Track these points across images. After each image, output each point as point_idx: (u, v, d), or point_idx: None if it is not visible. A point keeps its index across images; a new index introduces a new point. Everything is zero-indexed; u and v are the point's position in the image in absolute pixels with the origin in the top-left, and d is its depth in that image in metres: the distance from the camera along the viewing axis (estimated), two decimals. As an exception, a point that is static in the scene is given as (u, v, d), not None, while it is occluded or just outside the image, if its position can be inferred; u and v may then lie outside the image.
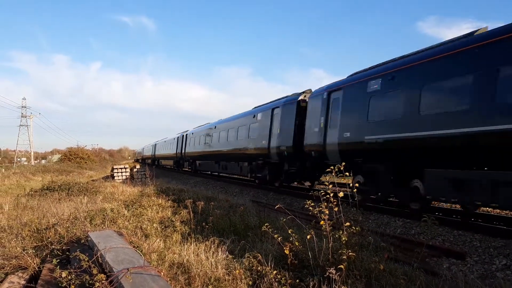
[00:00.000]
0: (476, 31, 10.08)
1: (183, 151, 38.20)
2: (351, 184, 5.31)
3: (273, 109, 19.59)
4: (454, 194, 9.44)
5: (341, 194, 5.08)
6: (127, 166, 30.61)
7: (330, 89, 15.02)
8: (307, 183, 18.66)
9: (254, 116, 21.63)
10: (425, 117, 10.17)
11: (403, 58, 12.07)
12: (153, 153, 61.48)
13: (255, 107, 23.02)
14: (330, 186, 5.18)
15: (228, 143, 25.53)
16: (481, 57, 9.01)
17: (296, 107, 17.52)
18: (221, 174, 29.18)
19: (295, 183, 20.08)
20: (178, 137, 40.99)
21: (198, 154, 33.52)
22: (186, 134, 37.92)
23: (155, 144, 61.06)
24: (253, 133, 21.50)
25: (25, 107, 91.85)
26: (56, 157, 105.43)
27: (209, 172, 32.83)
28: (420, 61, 10.87)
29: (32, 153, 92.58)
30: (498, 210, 12.42)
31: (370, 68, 13.57)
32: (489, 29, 9.73)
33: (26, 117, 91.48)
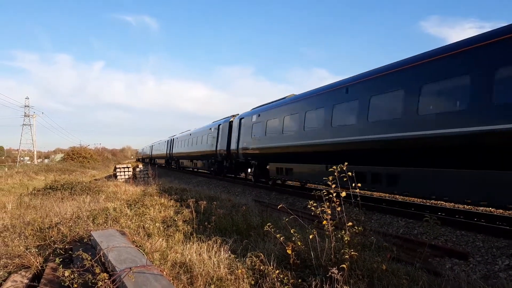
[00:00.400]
0: (286, 96, 19.64)
1: (171, 152, 46.09)
2: (353, 185, 5.30)
3: (219, 125, 28.12)
4: (277, 175, 18.92)
5: (343, 194, 5.08)
6: (129, 165, 30.67)
7: (240, 117, 23.92)
8: (242, 174, 26.76)
9: (210, 129, 30.50)
10: (268, 137, 19.35)
11: (270, 103, 21.00)
12: (150, 153, 69.38)
13: (213, 121, 31.35)
14: (333, 186, 5.18)
15: (197, 146, 33.98)
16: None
17: (228, 125, 26.04)
18: (197, 170, 36.80)
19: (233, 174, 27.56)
20: (168, 140, 48.42)
21: (181, 154, 41.89)
22: (173, 138, 45.79)
23: (152, 145, 68.94)
24: (209, 140, 30.06)
25: (28, 106, 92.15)
26: (59, 157, 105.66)
27: (191, 169, 40.03)
28: (266, 110, 20.42)
29: (35, 152, 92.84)
30: (501, 210, 12.39)
31: (256, 107, 22.84)
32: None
33: (29, 116, 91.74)
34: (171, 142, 46.48)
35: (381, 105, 11.62)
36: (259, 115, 20.72)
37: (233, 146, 24.22)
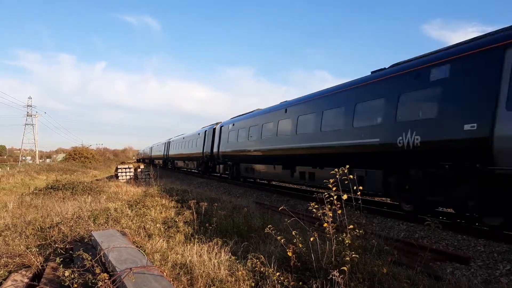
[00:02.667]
0: (253, 110, 24.07)
1: (167, 153, 50.02)
2: (354, 188, 5.29)
3: (205, 131, 32.11)
4: (246, 173, 23.15)
5: (344, 197, 5.07)
6: (131, 166, 30.70)
7: (221, 125, 28.28)
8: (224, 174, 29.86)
9: (198, 134, 34.71)
10: (239, 142, 23.30)
11: (242, 115, 25.39)
12: (150, 154, 72.82)
13: (202, 127, 35.17)
14: (334, 189, 5.18)
15: (188, 149, 37.91)
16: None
17: (212, 131, 30.02)
18: (181, 169, 41.25)
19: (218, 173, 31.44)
20: (165, 142, 52.00)
21: (175, 156, 46.51)
22: (169, 141, 49.81)
23: (152, 147, 72.89)
24: (198, 144, 34.26)
25: (31, 106, 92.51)
26: (60, 156, 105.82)
27: (184, 169, 43.84)
28: (238, 120, 24.86)
29: (37, 152, 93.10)
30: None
31: (233, 117, 26.97)
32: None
33: (31, 116, 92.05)
34: (168, 145, 50.55)
35: (304, 122, 16.12)
36: (233, 124, 25.27)
37: (215, 149, 28.63)
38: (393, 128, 10.96)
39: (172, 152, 46.54)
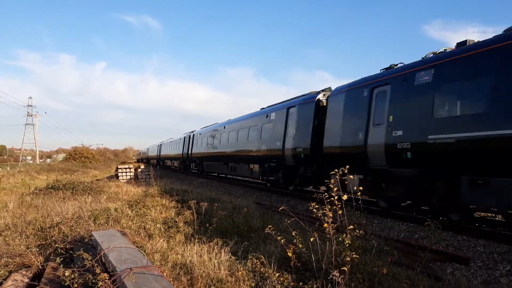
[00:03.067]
0: (214, 123, 33.52)
1: (160, 154, 56.30)
2: (354, 188, 5.30)
3: (184, 137, 40.24)
4: (207, 169, 32.63)
5: (345, 197, 5.07)
6: (131, 166, 30.71)
7: (196, 133, 36.21)
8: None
9: (180, 138, 42.20)
10: (203, 147, 32.22)
11: (207, 126, 35.02)
12: (147, 155, 79.77)
13: (184, 134, 41.92)
14: (335, 189, 5.18)
15: (174, 150, 46.32)
16: None
17: (189, 137, 38.19)
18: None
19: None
20: (158, 145, 58.52)
21: (165, 156, 54.59)
22: (161, 144, 56.45)
23: (148, 148, 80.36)
24: (180, 147, 42.03)
25: (31, 106, 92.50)
26: (61, 156, 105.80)
27: (173, 167, 50.87)
28: (203, 130, 34.54)
29: (38, 152, 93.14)
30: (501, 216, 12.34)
31: (203, 127, 36.19)
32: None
33: (32, 116, 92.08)
34: (160, 147, 57.99)
35: (231, 135, 25.55)
36: (200, 133, 34.50)
37: (190, 151, 37.13)
38: (258, 143, 20.69)
39: (163, 153, 54.94)
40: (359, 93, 12.84)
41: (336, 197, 5.08)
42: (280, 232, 6.01)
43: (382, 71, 12.62)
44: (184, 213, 9.65)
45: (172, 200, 12.22)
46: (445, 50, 10.53)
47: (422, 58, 11.03)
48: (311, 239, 5.28)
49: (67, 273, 4.46)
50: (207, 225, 8.29)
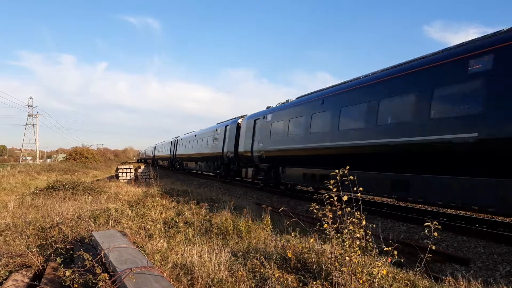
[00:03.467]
0: (193, 130, 41.77)
1: (175, 153, 58.34)
2: (354, 188, 5.30)
3: (171, 141, 49.19)
4: (187, 167, 41.30)
5: (345, 198, 5.08)
6: (131, 166, 30.70)
7: (179, 138, 44.72)
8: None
9: (169, 143, 50.20)
10: (184, 149, 40.14)
11: (187, 133, 43.65)
12: (153, 155, 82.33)
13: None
14: (335, 190, 5.18)
15: (164, 152, 54.31)
16: None
17: (175, 141, 45.85)
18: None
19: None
20: (171, 141, 60.26)
21: (158, 157, 63.44)
22: (177, 140, 58.01)
23: (155, 147, 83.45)
24: (168, 149, 50.16)
25: (32, 106, 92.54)
26: (61, 156, 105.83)
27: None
28: (184, 136, 42.83)
29: (38, 152, 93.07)
30: (502, 217, 12.35)
31: (184, 134, 44.86)
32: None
33: (32, 116, 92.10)
34: (175, 144, 58.25)
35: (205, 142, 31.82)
36: (181, 138, 42.82)
37: (175, 153, 45.52)
38: (211, 148, 28.94)
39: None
40: (250, 122, 21.71)
41: (336, 198, 5.08)
42: (281, 232, 6.03)
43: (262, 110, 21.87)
44: (184, 214, 9.67)
45: (173, 201, 12.23)
46: (279, 103, 19.64)
47: (267, 107, 21.05)
48: (311, 240, 5.28)
49: (67, 273, 4.46)
50: (208, 225, 8.31)
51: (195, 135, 35.44)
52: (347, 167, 5.17)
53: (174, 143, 46.45)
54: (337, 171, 5.25)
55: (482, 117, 8.34)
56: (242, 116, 24.58)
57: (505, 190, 8.06)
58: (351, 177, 5.10)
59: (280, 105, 19.11)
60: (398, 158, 10.77)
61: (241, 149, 22.36)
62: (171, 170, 49.48)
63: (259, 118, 20.18)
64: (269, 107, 20.60)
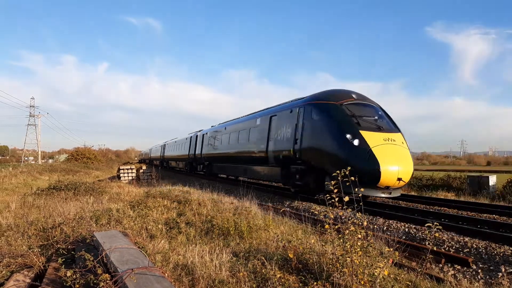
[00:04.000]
0: (175, 138, 53.22)
1: (163, 155, 63.37)
2: (356, 189, 5.30)
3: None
4: (169, 165, 54.71)
5: (346, 199, 5.08)
6: (133, 167, 30.75)
7: (166, 143, 56.45)
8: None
9: (160, 146, 60.24)
10: (168, 152, 53.54)
11: (168, 140, 56.63)
12: (150, 156, 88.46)
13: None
14: (336, 190, 5.18)
15: (156, 154, 64.63)
16: None
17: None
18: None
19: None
20: (162, 145, 65.96)
21: (169, 157, 62.65)
22: (165, 144, 63.89)
23: (151, 149, 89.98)
24: (159, 152, 61.18)
25: (33, 106, 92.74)
26: (63, 157, 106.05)
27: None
28: (167, 143, 56.24)
29: (40, 152, 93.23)
30: (504, 218, 12.33)
31: (166, 141, 57.91)
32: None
33: (34, 116, 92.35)
34: (163, 147, 66.70)
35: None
36: (168, 143, 52.46)
37: (162, 154, 56.06)
38: (186, 151, 39.12)
39: (167, 153, 55.94)
40: (200, 135, 33.00)
41: (337, 199, 5.08)
42: (282, 233, 6.03)
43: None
44: (185, 214, 9.67)
45: (174, 201, 12.23)
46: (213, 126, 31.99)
47: (212, 126, 32.61)
48: (312, 241, 5.28)
49: (68, 274, 4.47)
50: (209, 226, 8.31)
51: (175, 142, 47.25)
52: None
53: (163, 147, 58.06)
54: (338, 171, 5.26)
55: (267, 140, 18.73)
56: (200, 130, 35.72)
57: (282, 172, 17.43)
58: (352, 178, 5.10)
59: (214, 126, 31.14)
60: (245, 158, 21.82)
61: (197, 152, 33.54)
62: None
63: (206, 133, 31.60)
64: (213, 126, 31.93)
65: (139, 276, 4.29)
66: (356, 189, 5.24)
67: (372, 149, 12.60)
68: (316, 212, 5.36)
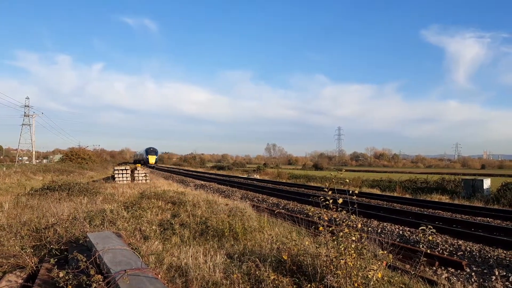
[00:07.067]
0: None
1: (137, 158, 77.38)
2: (350, 191, 5.30)
3: (144, 150, 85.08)
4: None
5: (340, 201, 5.08)
6: (128, 167, 30.64)
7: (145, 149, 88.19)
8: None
9: (143, 150, 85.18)
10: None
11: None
12: (139, 157, 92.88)
13: (145, 148, 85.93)
14: (330, 192, 5.18)
15: (141, 156, 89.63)
16: None
17: (147, 150, 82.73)
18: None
19: None
20: (139, 152, 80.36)
21: (139, 159, 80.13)
22: (138, 152, 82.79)
23: (139, 152, 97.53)
24: (141, 155, 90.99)
25: (28, 106, 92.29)
26: (57, 157, 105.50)
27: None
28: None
29: (34, 153, 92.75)
30: (498, 221, 12.38)
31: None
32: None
33: (28, 116, 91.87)
34: (140, 153, 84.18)
35: None
36: (141, 151, 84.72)
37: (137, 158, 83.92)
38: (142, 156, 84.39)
39: (142, 157, 79.99)
40: (143, 150, 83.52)
41: (331, 201, 5.08)
42: (276, 235, 6.01)
43: None
44: (180, 215, 9.64)
45: (168, 202, 12.20)
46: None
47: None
48: (306, 243, 5.27)
49: (61, 274, 4.44)
50: (203, 227, 8.28)
51: (140, 151, 75.36)
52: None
53: (145, 152, 78.91)
54: (334, 173, 5.25)
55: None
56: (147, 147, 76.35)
57: None
58: (347, 180, 5.09)
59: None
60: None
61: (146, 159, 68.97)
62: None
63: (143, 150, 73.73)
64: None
65: (132, 277, 4.27)
66: (350, 191, 5.23)
67: None
68: (310, 214, 5.34)
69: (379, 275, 4.89)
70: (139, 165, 34.82)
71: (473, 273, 7.50)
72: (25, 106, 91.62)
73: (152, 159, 75.47)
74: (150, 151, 77.11)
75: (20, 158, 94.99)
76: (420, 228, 5.13)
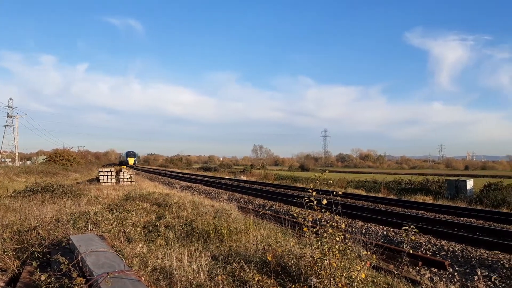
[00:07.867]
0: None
1: (121, 160, 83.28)
2: (335, 192, 5.33)
3: (125, 153, 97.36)
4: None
5: (324, 201, 5.10)
6: (113, 169, 30.35)
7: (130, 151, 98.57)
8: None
9: (124, 153, 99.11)
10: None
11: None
12: (121, 159, 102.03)
13: (125, 152, 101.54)
14: (314, 193, 5.20)
15: (122, 158, 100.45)
16: None
17: (128, 153, 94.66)
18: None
19: None
20: (122, 154, 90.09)
21: (122, 161, 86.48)
22: (121, 154, 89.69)
23: (120, 154, 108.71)
24: (123, 158, 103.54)
25: (12, 107, 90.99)
26: (41, 159, 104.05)
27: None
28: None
29: (17, 154, 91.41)
30: (481, 221, 12.57)
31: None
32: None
33: (12, 117, 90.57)
34: (122, 155, 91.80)
35: None
36: (123, 153, 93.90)
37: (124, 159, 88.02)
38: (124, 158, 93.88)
39: (123, 159, 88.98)
40: (124, 153, 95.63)
41: (315, 202, 5.10)
42: (262, 236, 6.02)
43: None
44: (165, 217, 9.59)
45: (154, 204, 12.12)
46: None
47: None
48: (291, 244, 5.28)
49: (43, 277, 4.39)
50: (189, 229, 8.25)
51: (122, 154, 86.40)
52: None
53: (125, 154, 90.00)
54: (318, 174, 5.28)
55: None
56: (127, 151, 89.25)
57: None
58: (331, 181, 5.12)
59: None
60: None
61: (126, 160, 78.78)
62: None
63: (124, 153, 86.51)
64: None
65: (115, 280, 4.24)
66: (335, 192, 5.27)
67: None
68: (295, 215, 5.36)
69: (363, 276, 4.93)
70: (124, 166, 34.49)
71: (455, 273, 7.60)
72: (8, 107, 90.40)
73: (131, 161, 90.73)
74: (130, 154, 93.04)
75: (2, 160, 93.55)
76: (403, 228, 5.19)
